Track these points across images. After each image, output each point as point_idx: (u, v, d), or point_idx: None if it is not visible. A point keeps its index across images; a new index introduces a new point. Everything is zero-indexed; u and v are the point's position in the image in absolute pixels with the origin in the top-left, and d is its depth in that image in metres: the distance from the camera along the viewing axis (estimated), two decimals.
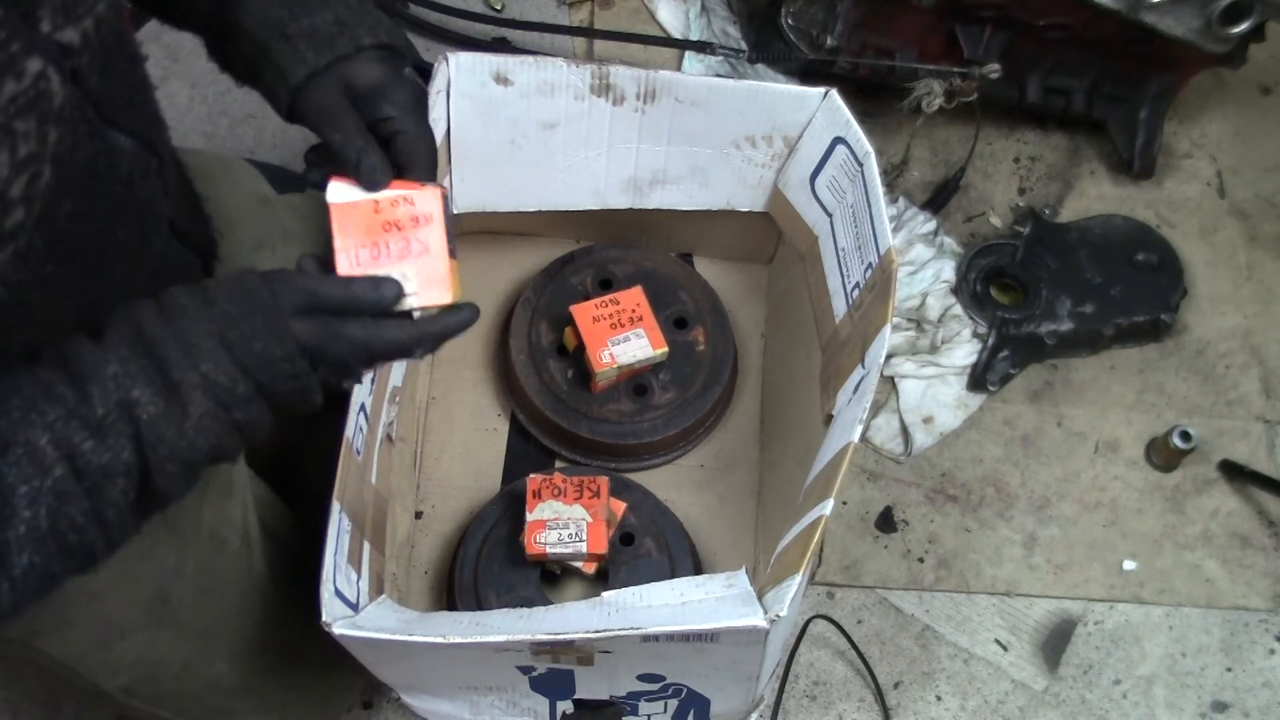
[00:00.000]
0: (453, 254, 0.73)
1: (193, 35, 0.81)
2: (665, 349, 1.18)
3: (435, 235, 0.72)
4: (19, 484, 0.58)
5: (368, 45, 0.74)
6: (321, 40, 0.73)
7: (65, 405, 0.60)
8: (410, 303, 0.70)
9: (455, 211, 1.15)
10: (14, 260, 0.56)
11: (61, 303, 0.63)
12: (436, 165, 0.76)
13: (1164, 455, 1.34)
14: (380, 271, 0.70)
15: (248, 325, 0.63)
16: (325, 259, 0.71)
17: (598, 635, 0.78)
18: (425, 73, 1.05)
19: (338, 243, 0.71)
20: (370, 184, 0.72)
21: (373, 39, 0.74)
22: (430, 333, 0.70)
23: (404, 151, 0.74)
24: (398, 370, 1.06)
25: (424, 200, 0.72)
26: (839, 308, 1.03)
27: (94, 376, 0.60)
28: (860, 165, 1.00)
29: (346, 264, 0.71)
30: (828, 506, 0.80)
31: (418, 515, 1.21)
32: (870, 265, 0.96)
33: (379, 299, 0.68)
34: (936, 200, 1.49)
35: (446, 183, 1.10)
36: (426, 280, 0.71)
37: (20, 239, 0.55)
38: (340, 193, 0.72)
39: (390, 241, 0.71)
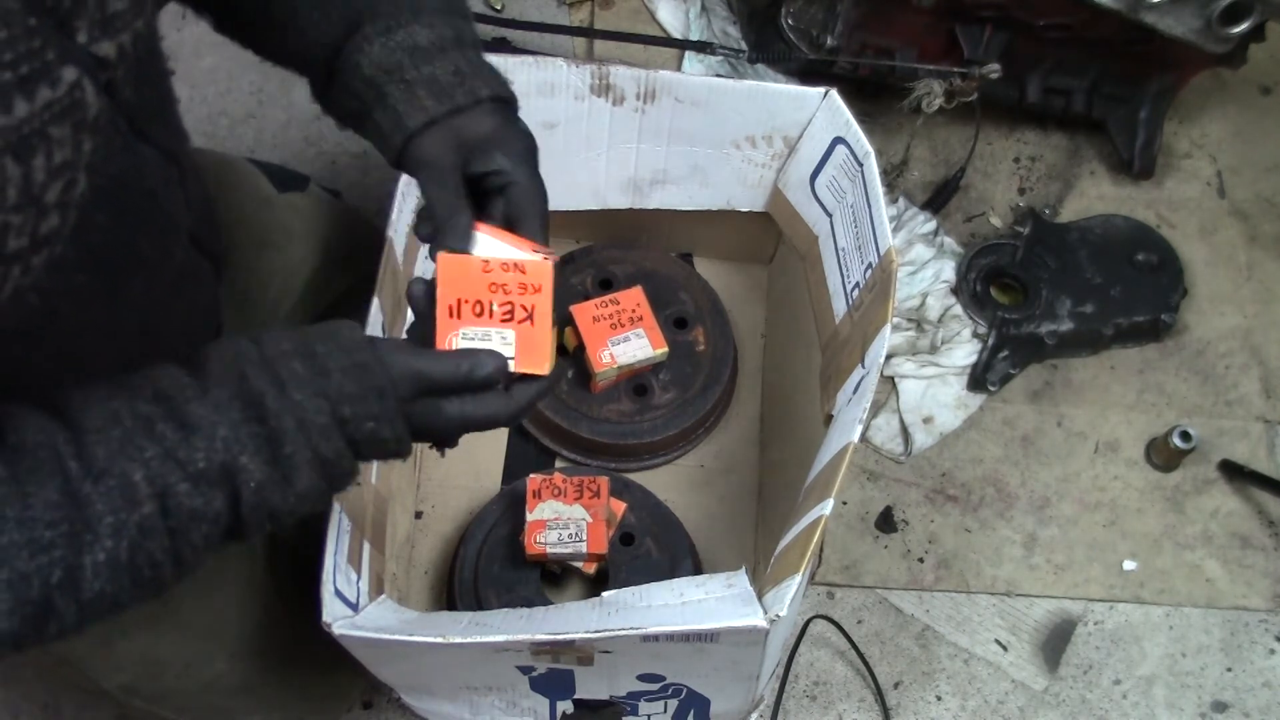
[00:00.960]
0: (554, 322, 0.73)
1: (294, 72, 0.79)
2: (665, 349, 1.18)
3: (542, 305, 0.71)
4: (106, 513, 0.58)
5: (485, 98, 0.73)
6: (441, 89, 0.72)
7: (164, 445, 0.60)
8: (509, 366, 0.71)
9: None
10: (48, 268, 0.56)
11: (87, 313, 0.64)
12: (547, 217, 0.74)
13: (1164, 455, 1.34)
14: (481, 329, 0.71)
15: (363, 406, 0.63)
16: (430, 293, 0.71)
17: (598, 635, 0.78)
18: None
19: (440, 290, 0.71)
20: (449, 242, 0.71)
21: (489, 91, 0.73)
22: (524, 404, 0.71)
23: (515, 203, 0.73)
24: None
25: (536, 270, 0.71)
26: (839, 308, 1.03)
27: (201, 431, 0.60)
28: (860, 165, 1.00)
29: (446, 313, 0.71)
30: (827, 506, 0.80)
31: (418, 515, 1.21)
32: (870, 265, 0.96)
33: (487, 378, 0.68)
34: (936, 200, 1.48)
35: None
36: (527, 348, 0.71)
37: (55, 246, 0.55)
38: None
39: (495, 302, 0.71)
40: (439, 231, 0.71)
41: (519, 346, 0.71)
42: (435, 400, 0.67)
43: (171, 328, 0.76)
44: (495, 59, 1.04)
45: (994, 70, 1.35)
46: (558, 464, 1.23)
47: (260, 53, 0.79)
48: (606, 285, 1.25)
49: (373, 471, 0.98)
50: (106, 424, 0.60)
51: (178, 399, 0.61)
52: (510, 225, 0.73)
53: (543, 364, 0.71)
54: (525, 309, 0.71)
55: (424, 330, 0.72)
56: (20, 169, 0.51)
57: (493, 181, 0.73)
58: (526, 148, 0.75)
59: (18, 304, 0.55)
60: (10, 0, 0.50)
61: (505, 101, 0.75)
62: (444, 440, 0.70)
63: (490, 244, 0.71)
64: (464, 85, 0.72)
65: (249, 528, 0.63)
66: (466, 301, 0.71)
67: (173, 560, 0.61)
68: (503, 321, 0.71)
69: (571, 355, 1.22)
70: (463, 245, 0.71)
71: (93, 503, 0.58)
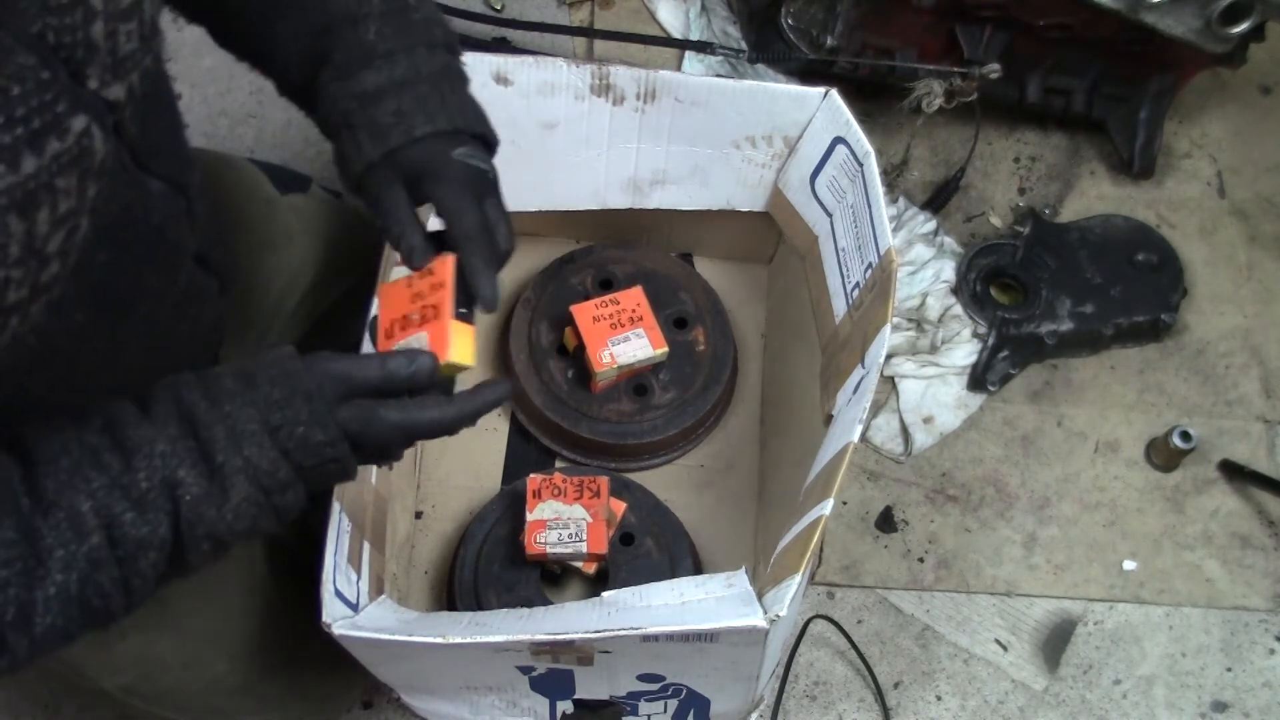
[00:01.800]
0: (467, 319, 0.74)
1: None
2: (665, 349, 1.18)
3: (443, 300, 0.73)
4: (56, 547, 0.59)
5: (421, 134, 0.74)
6: (379, 131, 0.74)
7: (109, 474, 0.60)
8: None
9: None
10: (47, 310, 0.56)
11: (87, 346, 0.64)
12: (489, 244, 0.75)
13: (1164, 455, 1.34)
14: (406, 340, 0.73)
15: (291, 410, 0.64)
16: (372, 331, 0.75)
17: (598, 635, 0.78)
18: None
19: (380, 317, 0.75)
20: (410, 262, 0.74)
21: (430, 127, 0.74)
22: (468, 412, 0.71)
23: (450, 231, 0.74)
24: None
25: (440, 267, 0.74)
26: (839, 308, 1.03)
27: (141, 451, 0.61)
28: (860, 165, 1.00)
29: (383, 335, 0.74)
30: (827, 506, 0.80)
31: (418, 515, 1.21)
32: (870, 265, 0.96)
33: (414, 374, 0.69)
34: (936, 200, 1.48)
35: None
36: (436, 340, 0.73)
37: (54, 290, 0.55)
38: (398, 271, 0.76)
39: (415, 312, 0.73)
40: (400, 254, 0.74)
41: (430, 344, 0.72)
42: (370, 404, 0.67)
43: (175, 346, 0.76)
44: (494, 58, 1.05)
45: (994, 70, 1.35)
46: (558, 464, 1.23)
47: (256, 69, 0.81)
48: (606, 285, 1.25)
49: (372, 471, 0.98)
50: (58, 454, 0.60)
51: (120, 424, 0.62)
52: (456, 252, 0.74)
53: (444, 350, 0.71)
54: (433, 307, 0.73)
55: None
56: (24, 224, 0.51)
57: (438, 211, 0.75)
58: (464, 177, 0.75)
59: (15, 348, 0.55)
60: (25, 56, 0.50)
61: (450, 134, 0.76)
62: (386, 451, 0.70)
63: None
64: (401, 124, 0.74)
65: (189, 549, 0.63)
66: (397, 320, 0.74)
67: (122, 590, 0.62)
68: (420, 326, 0.73)
69: (571, 355, 1.22)
70: (419, 261, 0.74)
71: (43, 536, 0.58)
